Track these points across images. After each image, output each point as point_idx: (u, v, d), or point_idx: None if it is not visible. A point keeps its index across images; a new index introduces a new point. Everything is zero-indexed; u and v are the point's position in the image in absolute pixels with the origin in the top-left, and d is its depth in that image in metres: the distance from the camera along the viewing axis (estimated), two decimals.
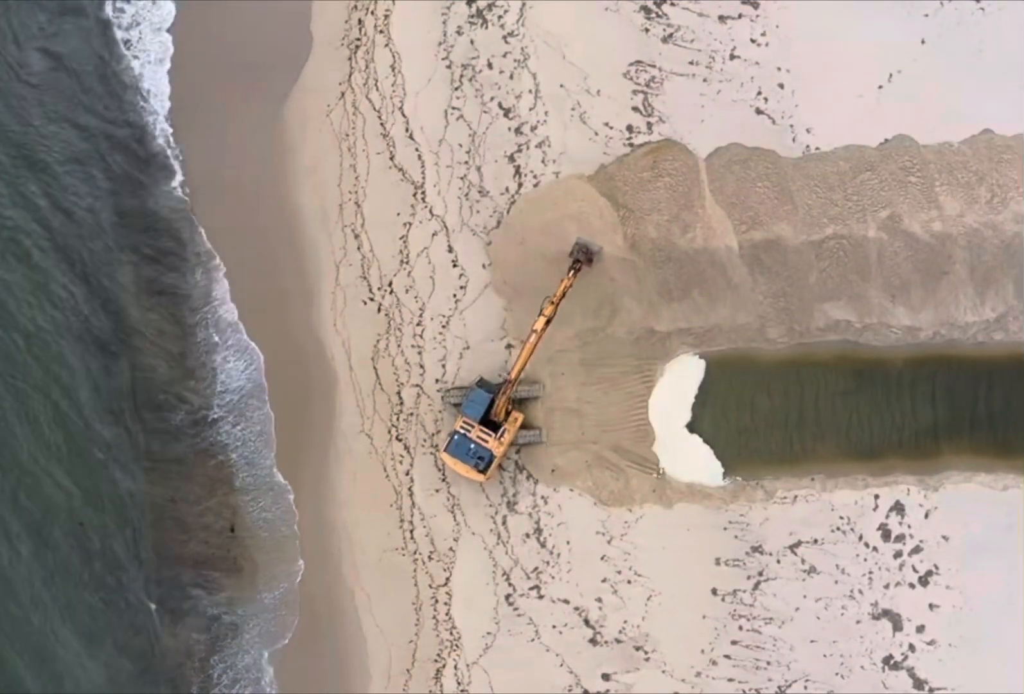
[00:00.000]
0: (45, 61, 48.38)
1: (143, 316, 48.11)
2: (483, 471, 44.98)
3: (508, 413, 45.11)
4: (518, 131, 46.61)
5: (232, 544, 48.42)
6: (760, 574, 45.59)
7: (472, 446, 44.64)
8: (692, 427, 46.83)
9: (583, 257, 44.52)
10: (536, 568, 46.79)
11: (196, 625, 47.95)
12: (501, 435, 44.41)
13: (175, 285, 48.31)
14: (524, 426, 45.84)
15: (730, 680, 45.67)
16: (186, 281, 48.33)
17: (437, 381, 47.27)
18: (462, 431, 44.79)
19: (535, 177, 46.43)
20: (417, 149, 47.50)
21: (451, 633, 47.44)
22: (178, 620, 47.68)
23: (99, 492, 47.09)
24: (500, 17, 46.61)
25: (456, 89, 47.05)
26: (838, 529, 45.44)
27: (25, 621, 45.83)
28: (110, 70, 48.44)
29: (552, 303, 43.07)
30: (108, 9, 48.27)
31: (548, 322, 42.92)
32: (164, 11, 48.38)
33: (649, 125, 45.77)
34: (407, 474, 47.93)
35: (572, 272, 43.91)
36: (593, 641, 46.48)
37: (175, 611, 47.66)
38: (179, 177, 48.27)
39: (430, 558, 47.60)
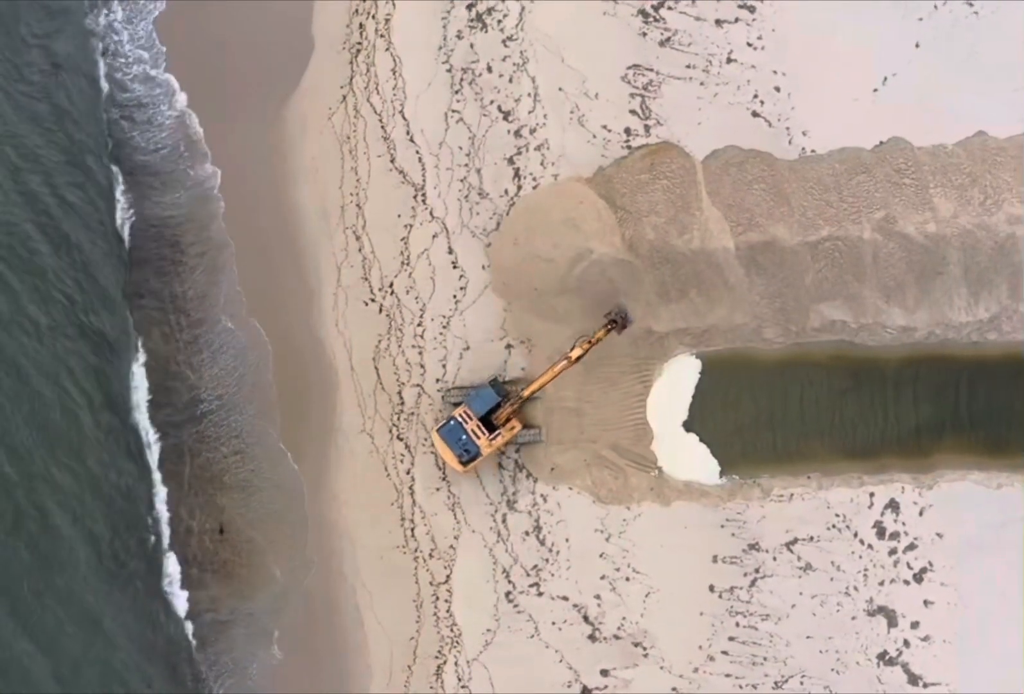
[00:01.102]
0: (46, 66, 48.56)
1: (142, 312, 48.68)
2: (464, 463, 45.44)
3: (507, 420, 45.58)
4: (517, 134, 46.91)
5: (220, 546, 48.89)
6: (757, 571, 46.11)
7: (463, 437, 45.15)
8: (689, 426, 47.42)
9: (619, 319, 45.07)
10: (536, 565, 47.18)
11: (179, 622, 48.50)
12: (494, 438, 44.95)
13: (175, 285, 48.80)
14: (524, 425, 46.32)
15: (727, 676, 46.20)
16: (185, 281, 48.75)
17: (438, 381, 47.59)
18: (460, 419, 45.24)
19: (534, 179, 46.75)
20: (418, 152, 47.77)
21: (452, 630, 47.78)
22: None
23: (108, 484, 47.70)
24: (500, 21, 46.91)
25: (456, 92, 47.34)
26: (834, 527, 45.94)
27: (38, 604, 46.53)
28: (107, 77, 48.80)
29: (589, 343, 43.48)
30: (105, 15, 48.68)
31: (579, 358, 43.43)
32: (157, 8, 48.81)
33: (647, 128, 46.11)
34: (408, 473, 48.26)
35: (606, 328, 44.43)
36: (592, 637, 46.89)
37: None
38: (188, 181, 48.73)
39: (431, 556, 47.96)
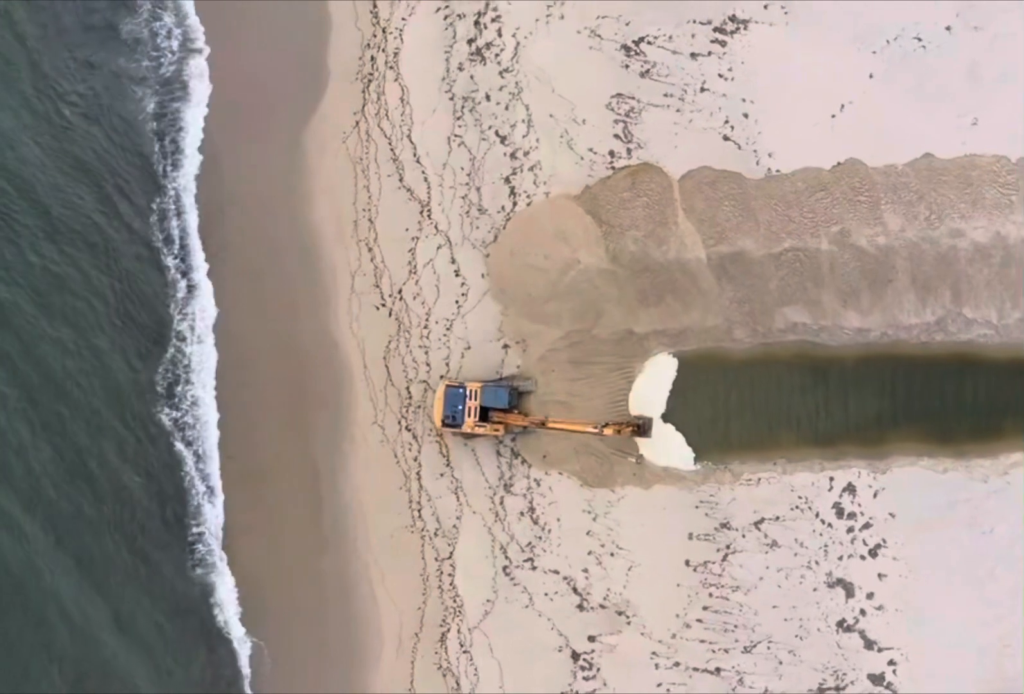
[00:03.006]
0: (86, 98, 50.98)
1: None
2: (444, 425, 47.61)
3: (499, 423, 47.48)
4: (513, 156, 48.88)
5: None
6: (728, 547, 47.42)
7: (459, 407, 47.03)
8: (667, 418, 48.26)
9: (643, 426, 47.02)
10: (530, 543, 48.86)
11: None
12: (478, 426, 46.95)
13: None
14: (507, 432, 48.09)
15: (702, 641, 47.53)
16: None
17: (442, 377, 49.30)
18: (468, 392, 47.02)
19: (528, 197, 48.61)
20: (424, 172, 49.73)
21: (455, 601, 49.42)
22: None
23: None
24: (497, 55, 48.88)
25: (458, 119, 49.26)
26: (797, 507, 47.13)
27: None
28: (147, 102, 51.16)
29: (618, 431, 45.74)
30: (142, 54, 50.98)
31: (602, 434, 45.87)
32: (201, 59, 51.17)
33: (629, 150, 47.79)
34: (415, 460, 50.00)
35: (631, 427, 46.63)
36: (580, 607, 48.41)
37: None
38: (216, 193, 51.04)
39: (436, 535, 49.62)
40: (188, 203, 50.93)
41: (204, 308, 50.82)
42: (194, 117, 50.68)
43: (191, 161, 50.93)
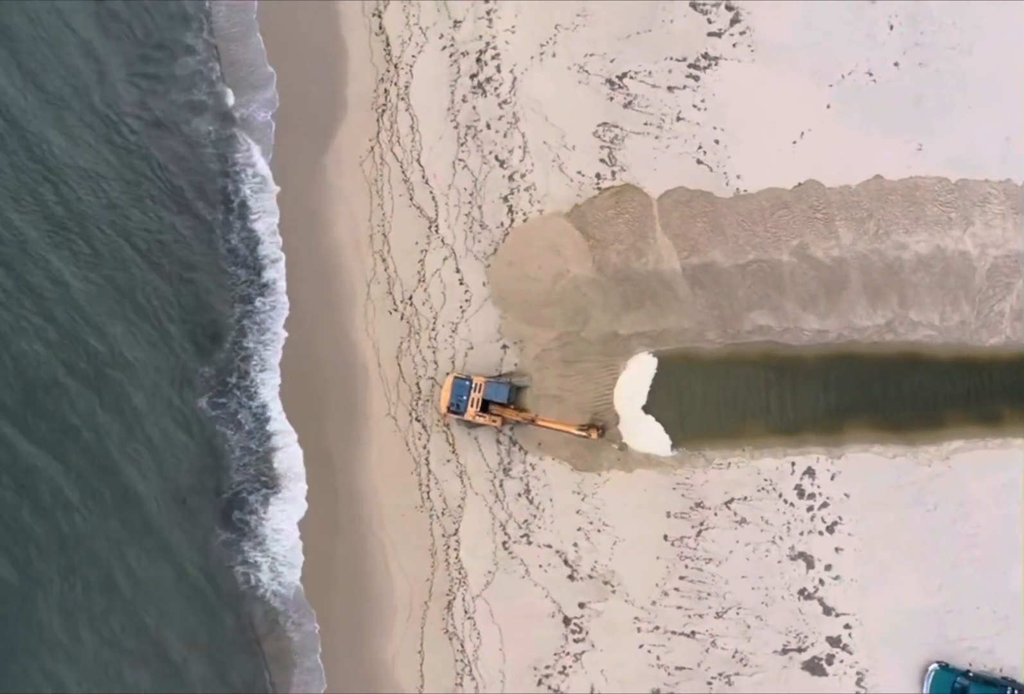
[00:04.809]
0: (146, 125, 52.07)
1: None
2: (448, 411, 49.24)
3: (497, 415, 49.21)
4: (511, 178, 50.90)
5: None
6: (702, 524, 49.13)
7: (465, 397, 48.73)
8: (648, 409, 50.05)
9: (602, 428, 48.93)
10: (526, 520, 50.54)
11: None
12: (478, 415, 48.68)
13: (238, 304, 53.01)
14: (504, 423, 50.05)
15: (678, 608, 49.26)
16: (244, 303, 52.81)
17: (448, 374, 50.85)
18: (473, 385, 48.63)
19: (524, 214, 50.44)
20: (431, 192, 51.67)
21: (459, 572, 51.06)
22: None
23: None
24: (496, 88, 51.06)
25: (462, 145, 51.20)
26: (763, 489, 48.91)
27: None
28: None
29: (598, 433, 48.12)
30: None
31: (584, 436, 48.01)
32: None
33: (613, 173, 49.78)
34: (424, 448, 51.83)
35: (597, 430, 48.70)
36: (571, 577, 50.06)
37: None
38: (251, 212, 52.44)
39: (442, 514, 51.33)
40: (255, 212, 53.03)
41: (272, 305, 52.89)
42: (253, 143, 52.80)
43: (253, 177, 52.95)
